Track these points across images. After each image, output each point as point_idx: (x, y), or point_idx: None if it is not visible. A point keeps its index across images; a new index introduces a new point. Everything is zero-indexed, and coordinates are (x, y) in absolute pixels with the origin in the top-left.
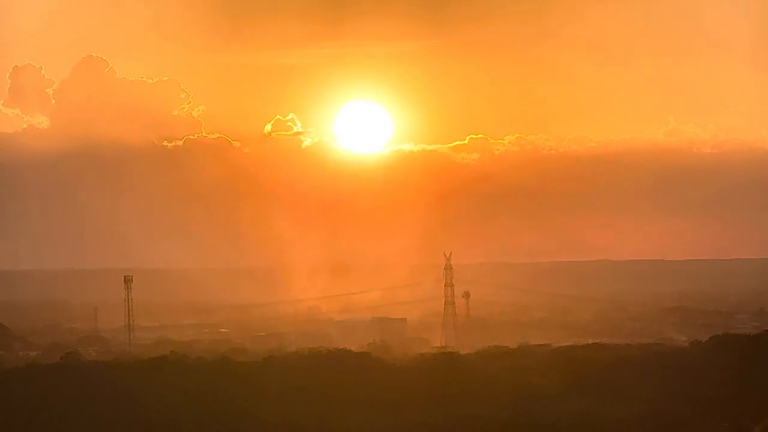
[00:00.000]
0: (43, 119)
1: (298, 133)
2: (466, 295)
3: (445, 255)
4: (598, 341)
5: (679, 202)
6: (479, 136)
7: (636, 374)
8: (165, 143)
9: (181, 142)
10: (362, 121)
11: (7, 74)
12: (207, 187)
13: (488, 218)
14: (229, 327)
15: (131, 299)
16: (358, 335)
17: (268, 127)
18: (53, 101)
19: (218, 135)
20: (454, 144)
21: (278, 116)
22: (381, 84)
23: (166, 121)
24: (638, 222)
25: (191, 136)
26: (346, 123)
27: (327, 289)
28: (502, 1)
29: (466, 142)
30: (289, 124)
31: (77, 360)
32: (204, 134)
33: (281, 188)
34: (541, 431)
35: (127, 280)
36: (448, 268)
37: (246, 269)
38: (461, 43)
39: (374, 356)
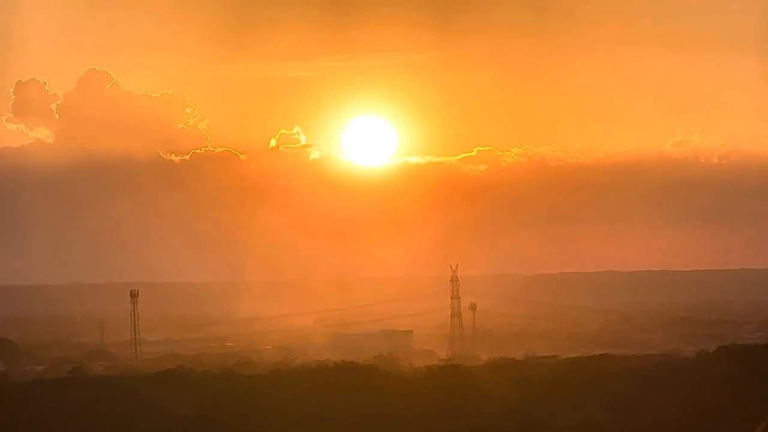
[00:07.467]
0: (47, 134)
1: (305, 146)
2: (473, 306)
3: (451, 267)
4: (605, 352)
5: (686, 213)
6: (487, 147)
7: (643, 385)
8: (172, 157)
9: (187, 156)
10: (369, 134)
11: (11, 89)
12: (213, 200)
13: (495, 230)
14: (236, 340)
15: (137, 313)
16: (364, 348)
17: (273, 142)
18: (57, 116)
19: (224, 148)
20: (461, 156)
21: (283, 130)
22: (387, 96)
23: (172, 135)
24: (645, 233)
25: (198, 150)
26: (353, 136)
27: (333, 301)
28: (507, 13)
29: (473, 153)
30: (295, 137)
31: (84, 374)
32: (210, 148)
33: (288, 201)
34: None
35: (133, 295)
36: (454, 280)
37: (252, 282)
38: (468, 54)
39: (381, 369)
